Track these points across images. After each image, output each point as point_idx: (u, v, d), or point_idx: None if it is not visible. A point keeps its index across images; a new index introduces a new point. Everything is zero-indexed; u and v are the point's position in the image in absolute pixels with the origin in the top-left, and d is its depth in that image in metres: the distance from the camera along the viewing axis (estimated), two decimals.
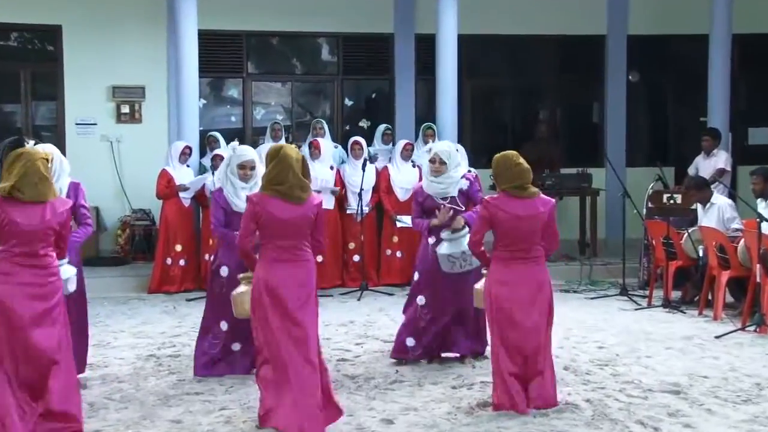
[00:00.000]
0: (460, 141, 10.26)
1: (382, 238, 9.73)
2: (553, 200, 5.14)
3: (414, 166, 9.73)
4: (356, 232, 9.49)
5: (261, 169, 5.32)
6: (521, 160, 5.07)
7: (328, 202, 9.25)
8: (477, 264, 5.87)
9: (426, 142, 10.07)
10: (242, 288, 5.04)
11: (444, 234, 6.01)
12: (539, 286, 5.05)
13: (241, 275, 5.12)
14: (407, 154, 9.71)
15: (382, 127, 10.42)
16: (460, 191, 6.07)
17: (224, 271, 5.80)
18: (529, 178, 5.03)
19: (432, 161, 6.03)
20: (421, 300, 6.22)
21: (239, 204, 5.54)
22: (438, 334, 6.21)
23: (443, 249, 6.01)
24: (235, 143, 5.82)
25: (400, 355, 6.26)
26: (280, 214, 4.61)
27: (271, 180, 4.65)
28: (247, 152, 5.71)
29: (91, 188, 6.27)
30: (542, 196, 5.10)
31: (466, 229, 5.95)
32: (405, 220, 9.26)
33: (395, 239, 9.62)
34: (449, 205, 6.02)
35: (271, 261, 4.65)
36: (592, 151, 12.27)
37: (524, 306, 5.01)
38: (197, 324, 7.76)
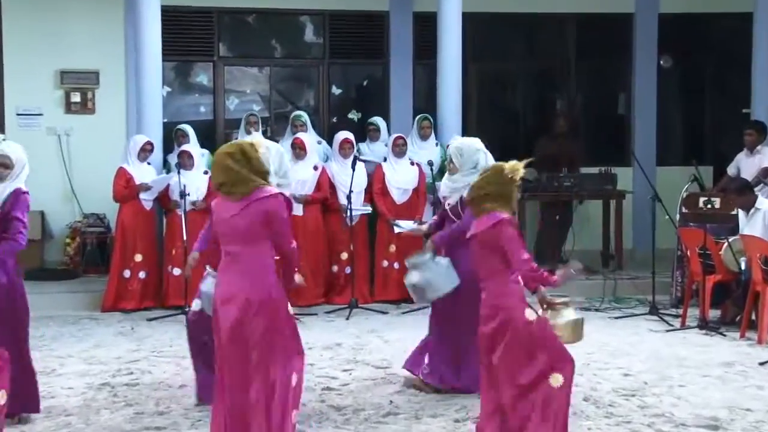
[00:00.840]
0: (464, 135, 10.25)
1: (376, 247, 9.74)
2: (499, 218, 4.73)
3: (412, 163, 9.75)
4: (345, 240, 9.50)
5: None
6: (485, 183, 4.84)
7: (296, 209, 9.19)
8: (451, 287, 5.94)
9: (421, 136, 10.10)
10: None
11: (408, 260, 6.13)
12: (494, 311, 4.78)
13: None
14: (399, 150, 9.71)
15: (385, 129, 10.46)
16: (461, 200, 6.08)
17: None
18: (479, 209, 4.85)
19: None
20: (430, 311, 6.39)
21: None
22: (447, 359, 6.22)
23: (409, 278, 6.09)
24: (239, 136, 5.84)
25: (411, 368, 6.36)
26: (222, 213, 4.61)
27: (215, 184, 4.70)
28: None
29: (35, 189, 6.16)
30: (496, 213, 4.77)
31: (428, 255, 6.03)
32: (404, 225, 9.30)
33: (392, 248, 9.62)
34: (421, 226, 6.23)
35: (220, 271, 4.65)
36: (617, 148, 12.28)
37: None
38: (158, 347, 7.78)
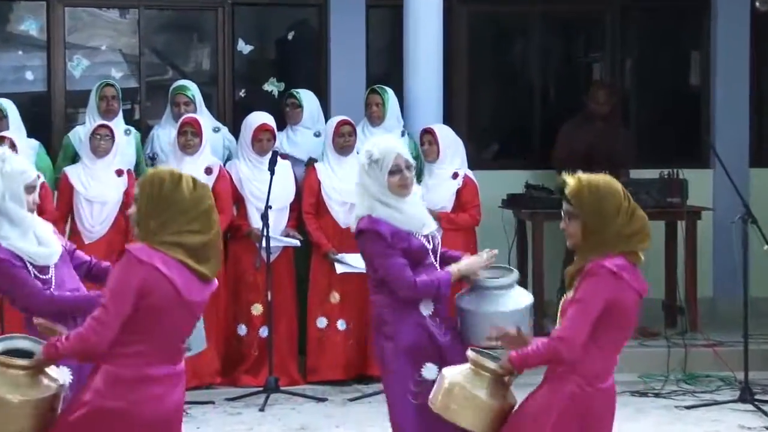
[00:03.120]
0: (446, 120, 10.28)
1: (309, 297, 9.71)
2: None
3: None
4: (258, 285, 9.50)
5: None
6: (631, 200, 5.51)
7: None
8: None
9: (371, 119, 10.13)
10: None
11: (485, 280, 6.15)
12: None
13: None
14: (344, 143, 9.67)
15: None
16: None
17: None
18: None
19: (395, 170, 6.06)
20: None
21: (42, 253, 5.63)
22: None
23: (501, 302, 6.12)
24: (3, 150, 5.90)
25: None
26: (186, 294, 4.97)
27: (184, 230, 4.97)
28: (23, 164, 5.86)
29: None
30: None
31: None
32: (352, 262, 9.24)
33: (335, 298, 9.63)
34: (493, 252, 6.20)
35: (140, 378, 4.95)
36: (687, 141, 12.37)
37: None
38: None
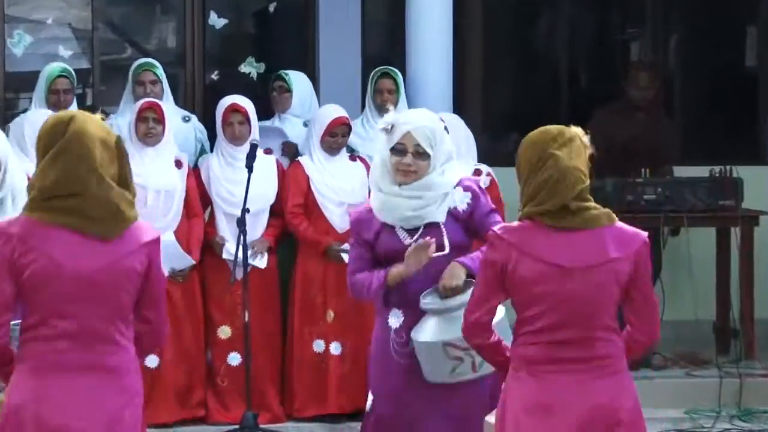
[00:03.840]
0: (457, 108, 10.28)
1: (294, 316, 9.71)
2: (644, 234, 5.41)
3: (354, 158, 9.78)
4: (225, 305, 9.51)
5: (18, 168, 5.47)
6: (563, 151, 5.28)
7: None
8: (490, 369, 5.99)
9: (380, 107, 10.01)
10: None
11: (427, 300, 6.12)
12: (610, 427, 5.25)
13: None
14: (335, 144, 9.67)
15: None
16: (452, 214, 6.28)
17: None
18: (574, 192, 5.29)
19: (398, 149, 6.13)
20: None
21: None
22: None
23: (427, 333, 6.08)
24: None
25: None
26: (67, 261, 4.84)
27: (49, 189, 4.86)
28: None
29: None
30: (618, 224, 5.45)
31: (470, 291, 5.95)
32: None
33: (330, 316, 9.64)
34: (429, 240, 6.08)
35: (42, 368, 4.87)
36: (742, 132, 12.37)
37: None
38: None
